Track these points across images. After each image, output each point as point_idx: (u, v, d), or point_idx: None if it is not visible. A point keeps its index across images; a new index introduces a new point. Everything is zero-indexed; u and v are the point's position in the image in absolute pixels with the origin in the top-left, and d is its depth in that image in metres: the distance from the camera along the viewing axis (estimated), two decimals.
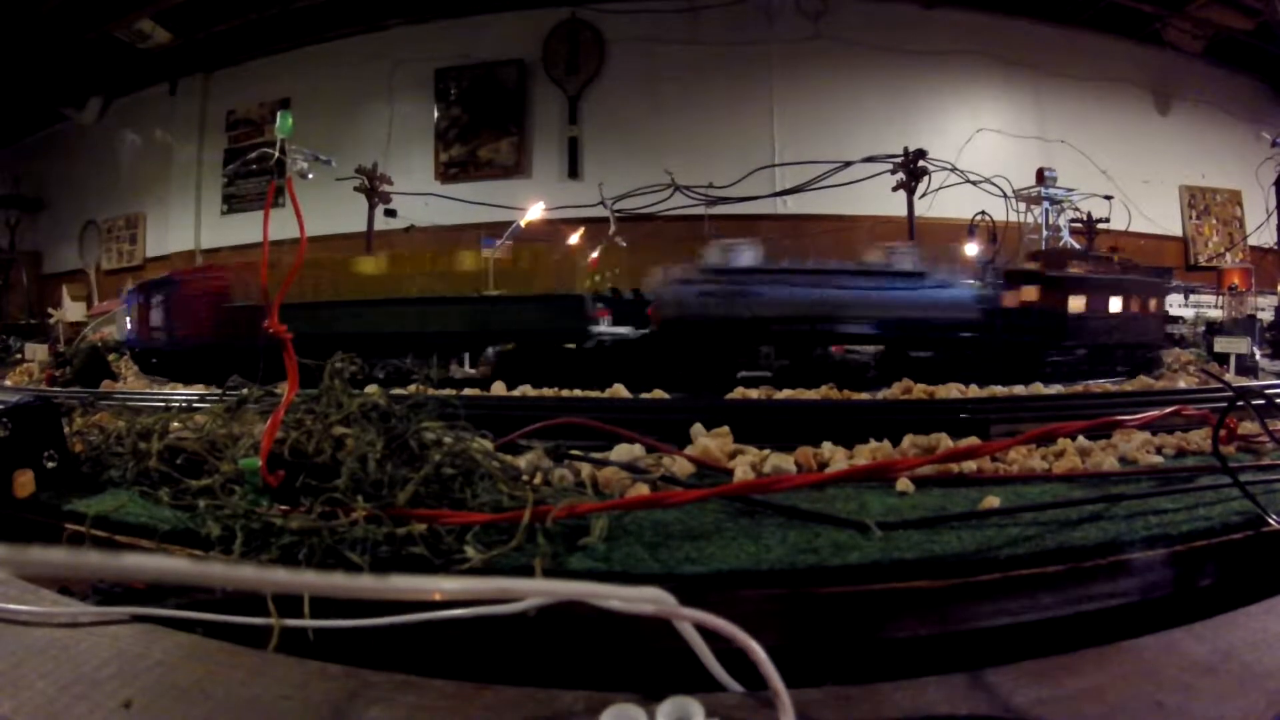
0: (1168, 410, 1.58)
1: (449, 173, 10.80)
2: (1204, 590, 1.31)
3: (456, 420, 1.62)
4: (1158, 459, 1.69)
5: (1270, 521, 1.33)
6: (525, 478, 1.49)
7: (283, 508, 1.32)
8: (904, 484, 1.34)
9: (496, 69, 10.89)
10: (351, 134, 10.63)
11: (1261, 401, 1.67)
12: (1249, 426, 2.06)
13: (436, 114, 11.03)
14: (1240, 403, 1.61)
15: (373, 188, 7.37)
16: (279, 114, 1.95)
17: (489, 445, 1.71)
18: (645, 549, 1.18)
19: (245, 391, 1.86)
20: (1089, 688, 0.98)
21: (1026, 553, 1.15)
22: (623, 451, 1.49)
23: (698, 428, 1.59)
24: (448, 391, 1.98)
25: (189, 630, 1.06)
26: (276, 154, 2.17)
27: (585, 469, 1.47)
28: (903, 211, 5.89)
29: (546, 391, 2.41)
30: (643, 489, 1.33)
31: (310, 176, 2.47)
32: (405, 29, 11.21)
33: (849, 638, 1.09)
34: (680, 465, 1.45)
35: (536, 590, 0.90)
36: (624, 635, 1.05)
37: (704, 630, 0.87)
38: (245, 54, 11.80)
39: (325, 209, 8.32)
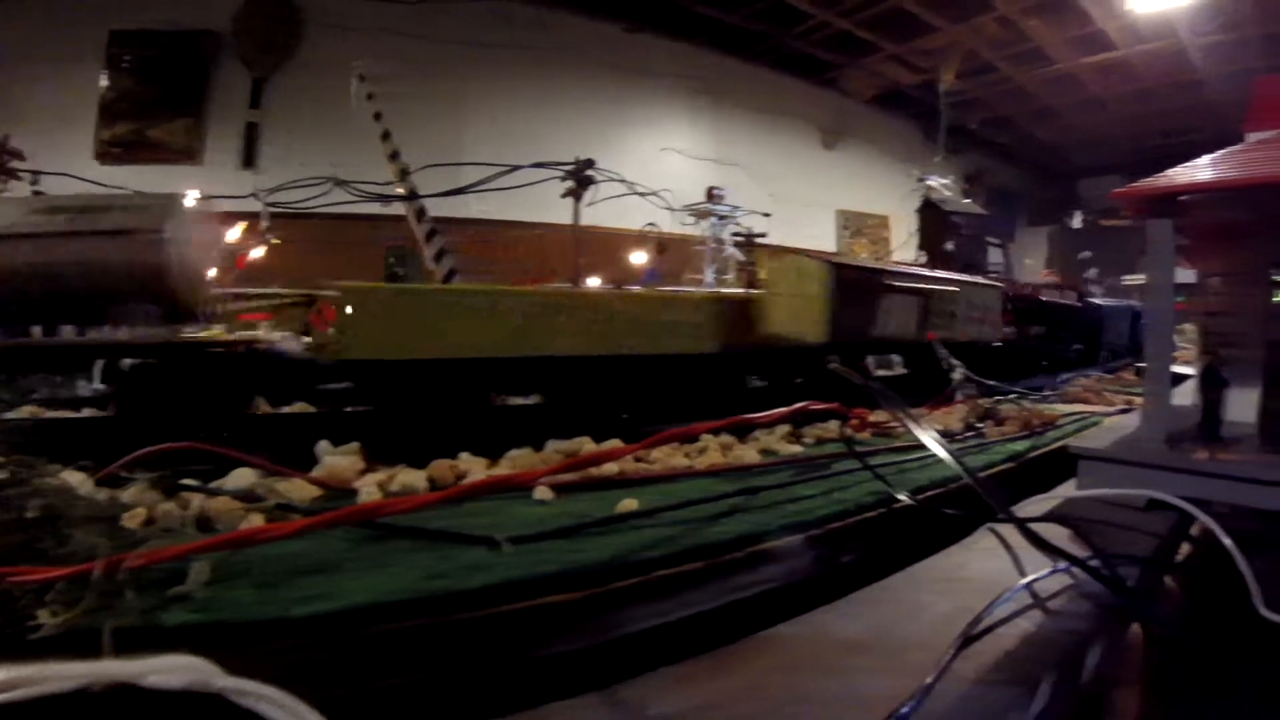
0: (796, 406, 1.70)
1: (111, 153, 9.16)
2: (847, 569, 1.39)
3: (39, 451, 1.32)
4: (797, 448, 1.80)
5: (899, 497, 1.45)
6: (124, 518, 1.24)
7: None
8: (544, 492, 1.28)
9: (180, 39, 9.45)
10: (3, 98, 8.60)
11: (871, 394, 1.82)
12: (882, 415, 2.31)
13: (105, 83, 9.28)
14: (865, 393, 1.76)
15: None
16: None
17: (84, 479, 1.41)
18: (255, 591, 1.00)
19: None
20: (736, 687, 0.96)
21: (668, 553, 1.14)
22: (240, 477, 1.27)
23: (324, 445, 1.41)
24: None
25: None
26: None
27: (197, 501, 1.24)
28: (588, 220, 6.04)
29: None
30: (257, 520, 1.14)
31: None
32: None
33: (489, 664, 1.00)
34: (302, 489, 1.27)
35: (44, 677, 0.70)
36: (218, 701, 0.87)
37: None
38: None
39: None
